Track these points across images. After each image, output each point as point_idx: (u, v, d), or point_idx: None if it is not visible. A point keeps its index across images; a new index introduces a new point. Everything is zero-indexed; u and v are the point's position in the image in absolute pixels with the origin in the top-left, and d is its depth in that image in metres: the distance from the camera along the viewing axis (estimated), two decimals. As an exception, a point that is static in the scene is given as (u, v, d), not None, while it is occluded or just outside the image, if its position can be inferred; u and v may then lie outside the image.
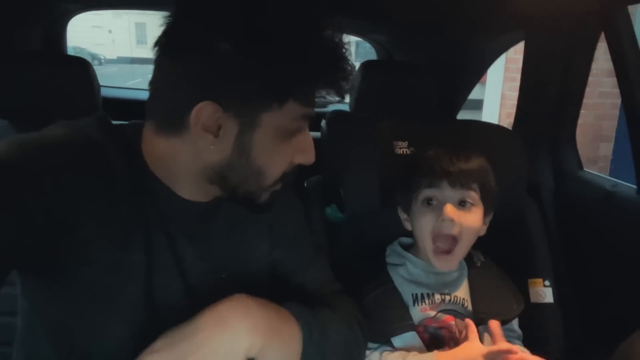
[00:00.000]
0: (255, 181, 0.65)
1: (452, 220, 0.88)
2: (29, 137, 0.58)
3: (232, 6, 0.56)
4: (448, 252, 0.90)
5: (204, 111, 0.57)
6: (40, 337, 0.66)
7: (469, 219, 0.89)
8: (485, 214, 0.93)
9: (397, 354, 0.87)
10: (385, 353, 0.88)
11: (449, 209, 0.88)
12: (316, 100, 0.63)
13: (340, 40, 0.60)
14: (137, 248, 0.63)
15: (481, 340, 0.91)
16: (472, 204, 0.90)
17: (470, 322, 0.85)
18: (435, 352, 0.83)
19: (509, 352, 0.78)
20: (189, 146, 0.61)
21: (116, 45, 23.24)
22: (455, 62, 1.52)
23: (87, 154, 0.60)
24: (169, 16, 0.59)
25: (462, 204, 0.90)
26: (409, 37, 1.42)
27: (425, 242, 0.92)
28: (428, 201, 0.92)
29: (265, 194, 0.68)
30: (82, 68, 1.19)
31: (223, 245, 0.73)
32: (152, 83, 0.63)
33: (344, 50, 0.60)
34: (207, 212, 0.71)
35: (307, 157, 0.68)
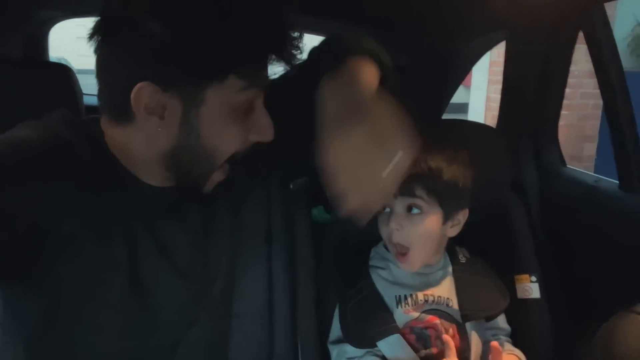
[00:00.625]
0: (208, 162, 0.63)
1: (397, 230, 0.88)
2: None
3: None
4: (404, 255, 0.90)
5: (143, 93, 0.56)
6: (18, 349, 0.65)
7: (418, 227, 0.88)
8: (447, 216, 0.91)
9: None
10: None
11: (395, 218, 0.88)
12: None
13: (277, 8, 0.59)
14: (119, 240, 0.62)
15: (468, 337, 0.92)
16: (422, 211, 0.88)
17: (448, 339, 0.85)
18: None
19: None
20: (141, 132, 0.61)
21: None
22: (438, 64, 1.54)
23: (58, 153, 0.59)
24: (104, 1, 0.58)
25: (410, 210, 0.89)
26: (390, 39, 1.43)
27: (388, 244, 0.93)
28: (383, 207, 0.92)
29: (211, 182, 0.67)
30: (63, 74, 1.18)
31: (201, 224, 0.73)
32: (96, 74, 0.61)
33: (279, 17, 0.59)
34: (185, 203, 0.70)
35: (263, 135, 0.64)
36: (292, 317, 1.02)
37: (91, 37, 0.58)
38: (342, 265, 1.00)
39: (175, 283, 0.69)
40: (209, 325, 0.79)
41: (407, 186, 0.87)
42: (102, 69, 0.60)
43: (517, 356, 0.90)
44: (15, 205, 0.54)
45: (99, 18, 0.58)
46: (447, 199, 0.89)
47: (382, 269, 0.96)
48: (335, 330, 0.95)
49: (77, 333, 0.63)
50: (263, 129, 0.64)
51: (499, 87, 1.36)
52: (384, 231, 0.92)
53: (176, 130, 0.60)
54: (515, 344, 0.97)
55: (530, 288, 1.00)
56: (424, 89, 1.02)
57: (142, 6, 0.55)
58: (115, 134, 0.63)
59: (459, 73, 1.65)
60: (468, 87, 4.74)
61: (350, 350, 0.91)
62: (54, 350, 0.64)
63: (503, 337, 0.97)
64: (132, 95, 0.56)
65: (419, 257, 0.91)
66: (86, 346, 0.64)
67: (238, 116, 0.62)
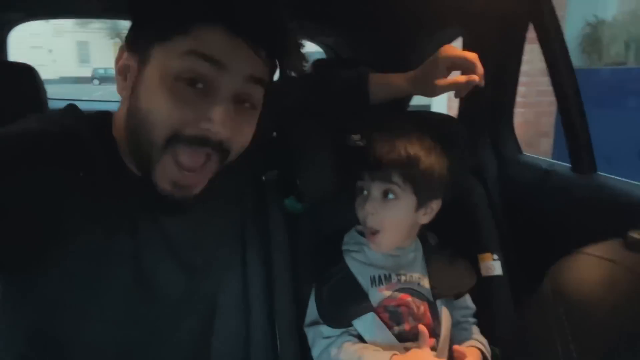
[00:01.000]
0: (143, 130, 0.59)
1: (372, 214, 0.92)
2: (5, 131, 0.58)
3: None
4: (374, 234, 0.94)
5: (119, 56, 0.59)
6: (21, 346, 0.66)
7: (391, 212, 0.91)
8: (420, 204, 0.94)
9: (356, 347, 0.90)
10: (346, 344, 0.91)
11: (371, 202, 0.92)
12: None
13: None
14: (123, 234, 0.64)
15: (439, 314, 0.96)
16: (397, 197, 0.91)
17: (423, 328, 0.88)
18: (392, 354, 0.87)
19: None
20: (121, 103, 0.63)
21: (58, 66, 22.41)
22: (399, 60, 1.59)
23: (66, 146, 0.60)
24: None
25: (386, 195, 0.92)
26: (353, 36, 1.47)
27: (363, 225, 0.97)
28: (361, 190, 0.96)
29: (158, 168, 0.61)
30: (27, 75, 1.17)
31: (205, 219, 0.76)
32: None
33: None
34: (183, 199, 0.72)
35: (214, 125, 0.58)
36: (268, 306, 1.05)
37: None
38: (315, 251, 1.04)
39: (178, 276, 0.72)
40: (200, 317, 0.82)
41: (385, 172, 0.91)
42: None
43: (478, 349, 0.95)
44: (21, 196, 0.55)
45: None
46: (421, 187, 0.92)
47: (357, 252, 0.99)
48: (311, 314, 0.98)
49: (78, 323, 0.64)
50: (216, 120, 0.58)
51: (459, 87, 1.41)
52: (360, 213, 0.96)
53: (130, 92, 0.60)
54: (480, 320, 1.03)
55: (492, 266, 1.06)
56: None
57: None
58: (118, 118, 0.64)
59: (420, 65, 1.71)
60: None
61: (325, 330, 0.94)
62: (54, 340, 0.65)
63: (471, 320, 1.02)
64: (116, 57, 0.59)
65: (388, 240, 0.95)
66: (86, 336, 0.65)
67: (179, 87, 0.57)
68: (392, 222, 0.92)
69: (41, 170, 0.57)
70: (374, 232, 0.94)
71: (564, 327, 0.32)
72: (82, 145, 0.61)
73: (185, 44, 0.56)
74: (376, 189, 0.92)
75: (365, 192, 0.95)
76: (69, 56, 24.59)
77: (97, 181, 0.61)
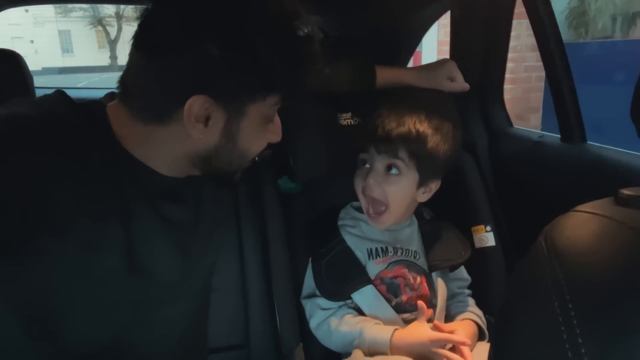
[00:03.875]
0: (238, 162, 0.71)
1: (374, 185, 0.92)
2: None
3: (217, 8, 0.59)
4: (379, 214, 0.95)
5: (195, 104, 0.60)
6: (14, 330, 0.66)
7: (394, 187, 0.92)
8: (422, 182, 0.94)
9: (357, 319, 0.92)
10: (347, 316, 0.93)
11: (373, 175, 0.92)
12: None
13: (314, 33, 0.65)
14: (115, 221, 0.64)
15: (435, 286, 0.98)
16: (400, 172, 0.92)
17: (421, 304, 0.89)
18: (394, 329, 0.88)
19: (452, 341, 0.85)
20: (175, 134, 0.64)
21: (40, 56, 22.00)
22: (389, 36, 1.59)
23: (58, 131, 0.60)
24: (146, 9, 0.60)
25: (389, 170, 0.93)
26: (343, 12, 1.46)
27: (360, 199, 0.97)
28: (363, 163, 0.97)
29: (240, 172, 0.74)
30: (13, 61, 1.15)
31: (202, 202, 0.78)
32: (128, 74, 0.64)
33: (315, 43, 0.65)
34: (183, 185, 0.74)
35: (277, 135, 0.74)
36: (266, 284, 1.06)
37: (140, 49, 0.61)
38: (311, 228, 1.05)
39: (174, 261, 0.73)
40: (194, 299, 0.83)
41: (392, 146, 0.91)
42: (144, 75, 0.63)
43: (474, 322, 0.96)
44: (11, 180, 0.55)
45: (143, 26, 0.61)
46: (425, 165, 0.93)
47: (353, 227, 1.00)
48: (307, 287, 1.00)
49: (69, 308, 0.65)
50: (277, 130, 0.73)
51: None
52: (358, 183, 0.97)
53: (216, 137, 0.65)
54: (475, 291, 1.05)
55: (486, 237, 1.08)
56: (377, 60, 1.06)
57: (200, 28, 0.58)
58: (134, 126, 0.65)
59: (410, 45, 1.71)
60: (418, 67, 4.84)
61: (323, 302, 0.96)
62: (45, 324, 0.65)
63: (466, 291, 1.04)
64: (186, 105, 0.60)
65: (391, 217, 0.95)
66: (78, 320, 0.66)
67: (267, 123, 0.70)
68: (395, 196, 0.93)
69: (31, 155, 0.57)
70: (379, 212, 0.94)
71: (558, 279, 0.32)
72: (72, 130, 0.62)
73: (277, 99, 0.67)
74: (380, 163, 0.93)
75: (368, 165, 0.95)
76: (51, 46, 24.15)
77: (89, 167, 0.61)
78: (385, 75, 1.05)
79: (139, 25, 0.61)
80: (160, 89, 0.62)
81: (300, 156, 1.03)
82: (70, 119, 0.62)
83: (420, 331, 0.88)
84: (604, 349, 0.29)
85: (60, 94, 0.66)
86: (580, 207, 0.39)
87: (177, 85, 0.61)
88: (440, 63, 1.11)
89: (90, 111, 0.66)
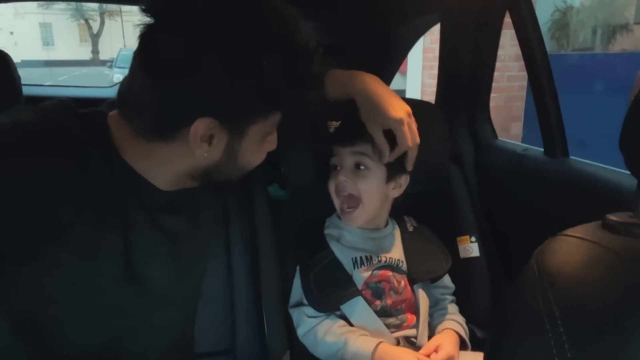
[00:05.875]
0: (237, 175, 0.74)
1: (346, 181, 0.95)
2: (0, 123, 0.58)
3: (222, 31, 0.59)
4: (352, 208, 0.97)
5: (201, 125, 0.61)
6: (6, 333, 0.65)
7: (364, 180, 0.96)
8: (390, 177, 0.98)
9: (343, 330, 0.93)
10: (333, 327, 0.94)
11: (343, 172, 0.96)
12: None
13: (314, 50, 0.66)
14: (114, 230, 0.64)
15: (417, 296, 1.00)
16: (367, 167, 0.96)
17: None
18: (379, 341, 0.90)
19: None
20: (178, 152, 0.65)
21: (19, 48, 21.51)
22: (378, 46, 1.61)
23: (61, 140, 0.61)
24: (147, 28, 0.60)
25: (358, 167, 0.96)
26: (332, 23, 1.48)
27: (334, 201, 1.00)
28: (334, 167, 0.99)
29: (238, 179, 0.76)
30: (1, 61, 1.14)
31: (198, 211, 0.80)
32: (130, 90, 0.65)
33: (316, 61, 0.66)
34: (181, 196, 0.75)
35: (273, 144, 0.76)
36: (254, 291, 1.06)
37: (144, 68, 0.61)
38: (300, 237, 1.06)
39: (169, 271, 0.74)
40: (185, 305, 0.83)
41: (356, 144, 0.95)
42: (146, 94, 0.63)
43: (454, 330, 0.98)
44: (11, 187, 0.55)
45: (145, 46, 0.61)
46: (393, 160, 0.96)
47: (337, 236, 1.02)
48: (295, 295, 1.01)
49: (64, 314, 0.65)
50: (274, 139, 0.75)
51: (433, 72, 1.45)
52: (331, 186, 0.99)
53: (219, 155, 0.67)
54: (459, 300, 1.07)
55: (470, 248, 1.10)
56: (366, 70, 1.08)
57: (205, 51, 0.58)
58: (135, 141, 0.66)
59: (399, 55, 1.73)
60: (404, 73, 4.89)
61: (309, 310, 0.97)
62: (40, 329, 0.65)
63: (449, 297, 1.06)
64: (192, 127, 0.61)
65: (365, 212, 0.97)
66: (72, 326, 0.66)
67: (266, 137, 0.71)
68: (367, 190, 0.96)
69: (32, 163, 0.57)
70: (352, 206, 0.97)
71: (550, 302, 0.34)
72: (74, 140, 0.62)
73: (277, 117, 0.69)
74: (348, 161, 0.97)
75: (338, 168, 0.98)
76: (31, 39, 23.66)
77: (89, 177, 0.61)
78: (338, 80, 0.93)
79: (142, 43, 0.61)
80: (166, 110, 0.63)
81: (292, 164, 1.03)
82: (72, 128, 0.62)
83: (407, 352, 0.90)
84: None
85: (63, 102, 0.66)
86: (570, 232, 0.40)
87: (184, 108, 0.62)
88: (395, 111, 0.88)
89: (92, 122, 0.66)
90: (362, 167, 0.96)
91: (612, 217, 0.39)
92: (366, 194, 0.96)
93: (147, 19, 0.60)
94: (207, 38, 0.58)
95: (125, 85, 0.66)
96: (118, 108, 0.67)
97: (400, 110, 0.88)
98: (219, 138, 0.64)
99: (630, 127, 0.36)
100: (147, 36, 0.61)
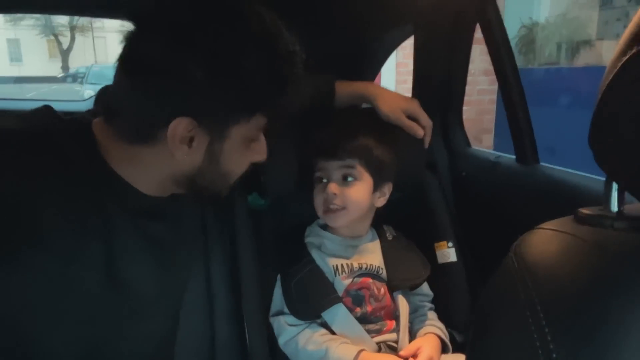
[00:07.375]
0: (222, 182, 0.72)
1: (334, 194, 0.97)
2: None
3: (201, 31, 0.59)
4: (335, 211, 0.98)
5: (180, 126, 0.61)
6: None
7: (352, 192, 0.98)
8: (376, 187, 1.01)
9: (324, 338, 0.93)
10: (314, 335, 0.94)
11: (332, 186, 0.97)
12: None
13: (297, 52, 0.66)
14: (96, 236, 0.64)
15: (397, 303, 1.01)
16: (356, 179, 0.98)
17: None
18: (360, 349, 0.91)
19: None
20: (160, 155, 0.65)
21: (-14, 65, 21.01)
22: (353, 59, 1.64)
23: (43, 146, 0.60)
24: (130, 32, 0.61)
25: (345, 179, 0.98)
26: (306, 36, 1.50)
27: (319, 214, 1.01)
28: (320, 180, 1.00)
29: (226, 190, 0.75)
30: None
31: (179, 218, 0.79)
32: (112, 97, 0.65)
33: (298, 63, 0.66)
34: (165, 203, 0.74)
35: (262, 155, 0.74)
36: (234, 302, 1.05)
37: (124, 70, 0.61)
38: (281, 246, 1.06)
39: (152, 278, 0.73)
40: (166, 316, 0.83)
41: (345, 157, 0.98)
42: (127, 97, 0.63)
43: (435, 334, 1.00)
44: None
45: (128, 48, 0.61)
46: (376, 171, 1.00)
47: (317, 244, 1.03)
48: (275, 305, 1.01)
49: (44, 321, 0.63)
50: (262, 149, 0.73)
51: (406, 86, 1.48)
52: (318, 201, 1.00)
53: (200, 158, 0.66)
54: (438, 305, 1.08)
55: (448, 253, 1.12)
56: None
57: (184, 50, 0.58)
58: (118, 146, 0.65)
59: (373, 68, 1.77)
60: (378, 87, 4.97)
61: (290, 319, 0.97)
62: (19, 336, 0.63)
63: (428, 305, 1.08)
64: (170, 127, 0.60)
65: (347, 217, 0.99)
66: (52, 333, 0.65)
67: (249, 145, 0.70)
68: (354, 201, 0.98)
69: (15, 168, 0.56)
70: (336, 210, 0.98)
71: (529, 291, 0.35)
72: (58, 145, 0.61)
73: (260, 120, 0.67)
74: (336, 173, 0.98)
75: (325, 180, 0.99)
76: (-2, 54, 23.14)
77: (73, 182, 0.61)
78: (348, 89, 1.07)
79: (124, 47, 0.61)
80: (145, 111, 0.62)
81: (272, 173, 1.04)
82: (56, 134, 0.62)
83: (388, 357, 0.91)
84: (573, 352, 0.32)
85: (47, 108, 0.66)
86: (545, 225, 0.42)
87: (162, 107, 0.61)
88: (406, 98, 1.11)
89: (76, 127, 0.65)
90: (349, 178, 0.98)
91: (584, 211, 0.41)
92: (351, 201, 0.98)
93: (131, 27, 0.61)
94: (185, 37, 0.59)
95: (109, 91, 0.66)
96: (102, 114, 0.67)
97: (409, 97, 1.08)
98: (200, 140, 0.64)
99: (598, 123, 0.38)
100: (128, 40, 0.61)
